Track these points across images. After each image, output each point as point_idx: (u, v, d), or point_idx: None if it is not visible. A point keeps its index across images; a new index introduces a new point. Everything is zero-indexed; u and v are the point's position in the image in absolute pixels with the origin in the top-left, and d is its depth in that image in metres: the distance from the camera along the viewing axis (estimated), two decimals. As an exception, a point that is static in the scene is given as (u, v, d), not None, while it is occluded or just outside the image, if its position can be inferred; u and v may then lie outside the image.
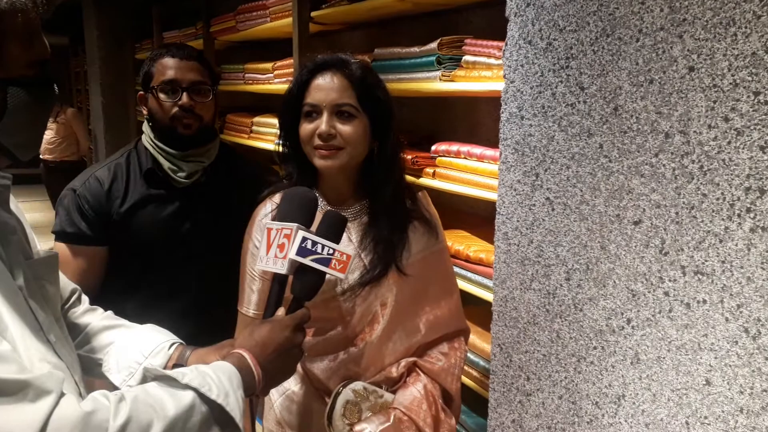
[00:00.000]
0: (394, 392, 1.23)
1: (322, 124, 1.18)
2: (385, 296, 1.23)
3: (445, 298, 1.31)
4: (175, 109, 1.54)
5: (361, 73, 1.21)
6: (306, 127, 1.20)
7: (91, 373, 1.05)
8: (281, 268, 1.00)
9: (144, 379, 0.87)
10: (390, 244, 1.23)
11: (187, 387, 0.81)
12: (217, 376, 0.84)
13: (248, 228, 1.30)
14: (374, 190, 1.26)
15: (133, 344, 1.06)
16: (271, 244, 1.01)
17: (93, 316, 1.11)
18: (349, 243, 1.24)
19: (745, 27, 0.64)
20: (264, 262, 1.02)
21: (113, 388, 0.93)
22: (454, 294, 1.34)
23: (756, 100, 0.64)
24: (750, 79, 0.64)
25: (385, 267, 1.22)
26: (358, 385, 1.20)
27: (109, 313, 1.14)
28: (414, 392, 1.22)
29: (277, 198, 1.26)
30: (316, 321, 1.21)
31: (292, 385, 1.27)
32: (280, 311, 1.00)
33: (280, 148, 1.31)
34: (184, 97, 1.54)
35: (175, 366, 1.03)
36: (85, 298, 1.14)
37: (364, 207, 1.28)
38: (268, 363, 0.92)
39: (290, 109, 1.24)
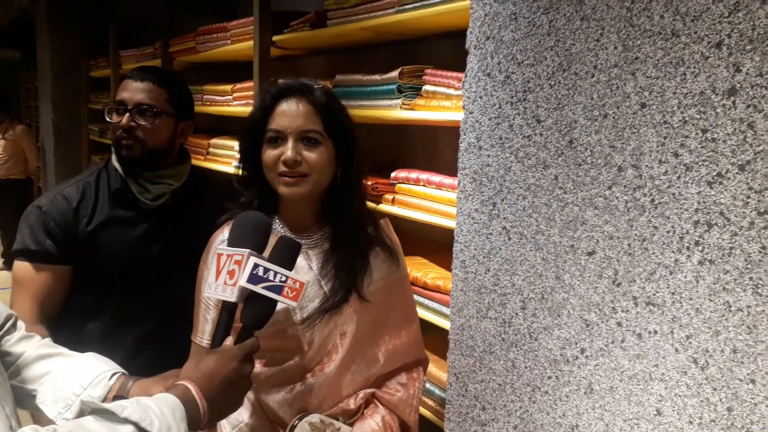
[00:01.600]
0: (351, 425, 1.20)
1: (288, 150, 1.15)
2: (345, 326, 1.21)
3: (405, 327, 1.29)
4: (119, 130, 1.51)
5: (325, 99, 1.20)
6: (270, 153, 1.18)
7: (23, 406, 0.99)
8: (230, 295, 0.97)
9: (81, 413, 0.82)
10: (351, 270, 1.21)
11: (126, 421, 0.77)
12: (159, 409, 0.80)
13: (203, 255, 1.26)
14: (337, 216, 1.24)
15: (70, 374, 1.00)
16: (220, 271, 0.98)
17: (29, 344, 1.04)
18: (309, 270, 1.21)
19: (694, 67, 0.66)
20: (212, 289, 0.99)
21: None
22: (414, 323, 1.33)
23: (704, 137, 0.66)
24: (698, 117, 0.66)
25: (345, 293, 1.20)
26: (314, 417, 1.17)
27: (47, 340, 1.08)
28: (372, 424, 1.19)
29: None
30: (272, 351, 1.17)
31: (246, 417, 1.22)
32: (229, 340, 0.96)
33: (240, 173, 1.28)
34: (125, 118, 1.50)
35: (117, 397, 0.98)
36: (21, 325, 1.07)
37: (326, 234, 1.25)
38: (215, 395, 0.88)
39: (253, 134, 1.21)
